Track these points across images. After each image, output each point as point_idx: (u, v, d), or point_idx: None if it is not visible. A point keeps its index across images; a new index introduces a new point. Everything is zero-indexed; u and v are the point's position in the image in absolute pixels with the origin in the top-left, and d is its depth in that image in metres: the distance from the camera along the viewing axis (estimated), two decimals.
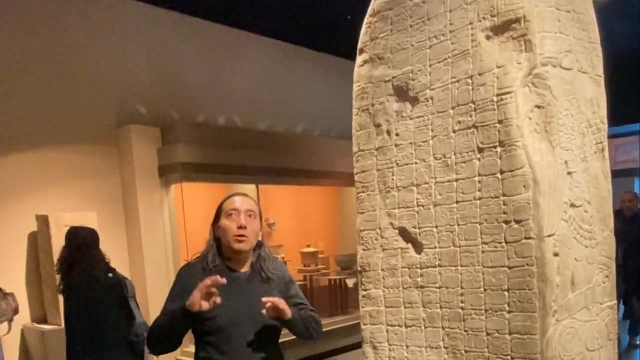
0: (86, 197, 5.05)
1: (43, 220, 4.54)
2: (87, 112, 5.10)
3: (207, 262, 2.04)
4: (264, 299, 1.86)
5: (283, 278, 2.13)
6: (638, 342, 5.73)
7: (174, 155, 5.14)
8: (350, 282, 6.54)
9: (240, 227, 1.99)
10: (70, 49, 5.03)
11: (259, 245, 2.11)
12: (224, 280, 1.78)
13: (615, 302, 1.81)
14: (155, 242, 5.16)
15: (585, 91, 1.69)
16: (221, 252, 2.07)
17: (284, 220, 7.25)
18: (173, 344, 1.96)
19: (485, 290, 1.65)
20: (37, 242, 4.69)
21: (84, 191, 5.05)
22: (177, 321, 1.87)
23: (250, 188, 6.24)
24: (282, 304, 1.89)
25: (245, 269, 2.08)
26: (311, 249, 7.01)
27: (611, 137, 1.85)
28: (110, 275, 3.26)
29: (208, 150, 5.30)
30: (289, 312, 1.91)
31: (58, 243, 4.26)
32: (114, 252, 5.12)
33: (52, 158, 4.89)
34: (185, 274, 2.06)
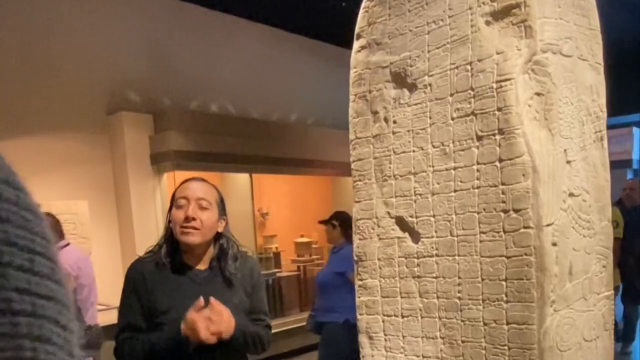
0: (77, 185, 4.99)
1: None
2: (78, 99, 5.04)
3: (160, 256, 1.82)
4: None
5: (250, 277, 1.94)
6: (629, 350, 5.43)
7: (166, 142, 5.09)
8: None
9: (187, 218, 1.77)
10: (61, 35, 4.95)
11: (219, 238, 1.89)
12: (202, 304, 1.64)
13: (612, 292, 1.80)
14: (147, 230, 5.12)
15: (584, 79, 1.67)
16: (178, 246, 1.85)
17: (277, 209, 7.23)
18: None
19: (482, 279, 1.64)
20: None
21: (75, 179, 5.00)
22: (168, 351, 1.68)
23: (243, 177, 6.21)
24: (224, 324, 1.68)
25: (204, 265, 1.88)
26: (305, 239, 7.00)
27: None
28: None
29: (201, 138, 5.26)
30: (229, 332, 1.72)
31: None
32: (106, 241, 5.10)
33: (42, 146, 4.83)
34: (135, 274, 1.82)
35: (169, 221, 1.86)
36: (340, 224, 4.00)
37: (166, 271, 1.81)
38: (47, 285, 0.31)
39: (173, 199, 1.85)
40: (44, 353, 0.30)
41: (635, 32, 6.90)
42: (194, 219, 1.77)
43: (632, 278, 5.12)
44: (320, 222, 4.26)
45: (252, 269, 1.98)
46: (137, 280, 1.80)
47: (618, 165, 9.08)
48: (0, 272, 0.28)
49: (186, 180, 1.89)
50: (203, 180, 1.91)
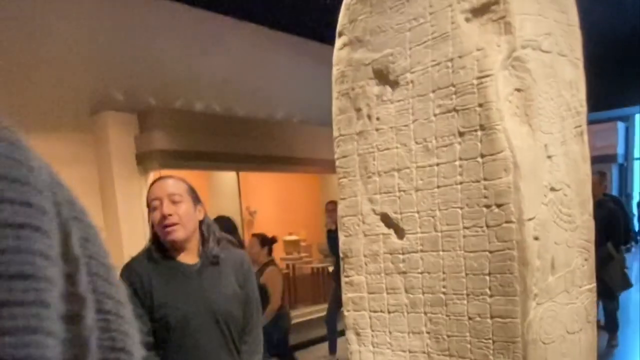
0: None
1: None
2: (61, 98, 4.98)
3: (151, 255, 1.84)
4: None
5: (241, 267, 1.95)
6: (615, 342, 5.41)
7: (151, 142, 5.05)
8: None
9: (163, 217, 1.78)
10: (43, 33, 4.89)
11: (203, 229, 1.91)
12: None
13: (594, 284, 1.83)
14: (134, 230, 5.09)
15: (564, 74, 1.69)
16: (166, 247, 1.87)
17: (265, 208, 7.22)
18: None
19: (466, 274, 1.65)
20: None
21: None
22: None
23: (230, 175, 6.19)
24: None
25: (194, 259, 1.88)
26: (293, 237, 7.01)
27: (590, 123, 1.85)
28: None
29: (186, 137, 5.23)
30: None
31: None
32: None
33: None
34: (128, 272, 1.82)
35: (152, 226, 1.87)
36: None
37: (159, 269, 1.81)
38: (118, 292, 0.39)
39: (148, 205, 1.86)
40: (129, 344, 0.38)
41: (619, 27, 6.97)
42: (170, 215, 1.79)
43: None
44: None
45: (242, 260, 1.99)
46: (131, 277, 1.79)
47: (603, 159, 9.19)
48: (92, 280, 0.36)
49: (153, 182, 1.91)
50: (168, 176, 1.92)
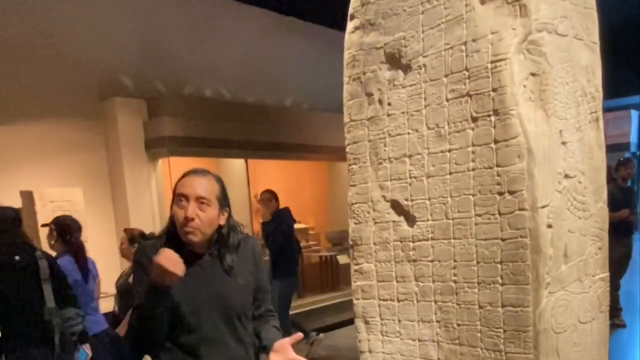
0: (71, 172, 4.96)
1: (27, 196, 4.47)
2: (71, 85, 4.98)
3: (166, 241, 1.81)
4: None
5: (253, 257, 1.95)
6: (619, 321, 5.51)
7: (160, 128, 5.05)
8: (342, 259, 6.55)
9: (186, 219, 1.75)
10: (53, 19, 4.88)
11: (223, 231, 1.88)
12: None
13: (607, 274, 1.80)
14: (142, 216, 5.11)
15: (580, 58, 1.65)
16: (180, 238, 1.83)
17: None
18: (155, 337, 1.73)
19: (477, 262, 1.63)
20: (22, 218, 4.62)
21: (69, 166, 4.97)
22: (149, 306, 1.66)
23: (239, 162, 6.18)
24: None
25: (206, 250, 1.88)
26: (301, 225, 7.00)
27: (603, 110, 1.81)
28: (17, 257, 2.98)
29: (195, 123, 5.22)
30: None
31: (43, 219, 4.20)
32: (101, 228, 5.09)
33: (35, 133, 4.79)
34: (142, 256, 1.81)
35: (172, 215, 1.84)
36: (59, 230, 3.68)
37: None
38: None
39: (174, 193, 1.81)
40: None
41: (635, 14, 6.84)
42: (192, 219, 1.75)
43: None
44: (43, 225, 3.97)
45: (254, 249, 1.98)
46: (146, 265, 1.77)
47: (616, 148, 9.08)
48: None
49: (186, 174, 1.83)
50: (204, 172, 1.85)
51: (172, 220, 1.85)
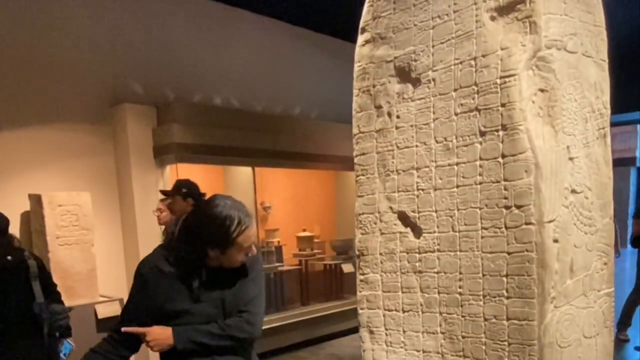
0: (80, 177, 4.99)
1: (36, 200, 4.50)
2: (81, 90, 5.03)
3: (183, 251, 1.75)
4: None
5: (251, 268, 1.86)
6: (622, 337, 5.35)
7: (169, 135, 5.08)
8: (346, 267, 6.54)
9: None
10: (64, 26, 4.94)
11: None
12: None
13: (613, 289, 1.80)
14: (149, 222, 5.12)
15: (588, 75, 1.67)
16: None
17: (279, 203, 7.23)
18: None
19: (483, 275, 1.64)
20: (30, 221, 4.65)
21: (77, 170, 5.00)
22: None
23: (246, 170, 6.21)
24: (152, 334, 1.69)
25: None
26: (307, 233, 7.00)
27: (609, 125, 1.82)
28: (9, 257, 3.14)
29: (203, 131, 5.24)
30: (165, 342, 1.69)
31: (51, 222, 4.23)
32: (108, 232, 5.12)
33: (45, 137, 4.83)
34: (144, 270, 1.77)
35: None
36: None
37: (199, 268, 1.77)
38: None
39: (229, 240, 1.74)
40: None
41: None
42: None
43: None
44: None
45: (256, 261, 1.92)
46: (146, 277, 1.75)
47: (621, 162, 9.06)
48: None
49: (248, 226, 1.79)
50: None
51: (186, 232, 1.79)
